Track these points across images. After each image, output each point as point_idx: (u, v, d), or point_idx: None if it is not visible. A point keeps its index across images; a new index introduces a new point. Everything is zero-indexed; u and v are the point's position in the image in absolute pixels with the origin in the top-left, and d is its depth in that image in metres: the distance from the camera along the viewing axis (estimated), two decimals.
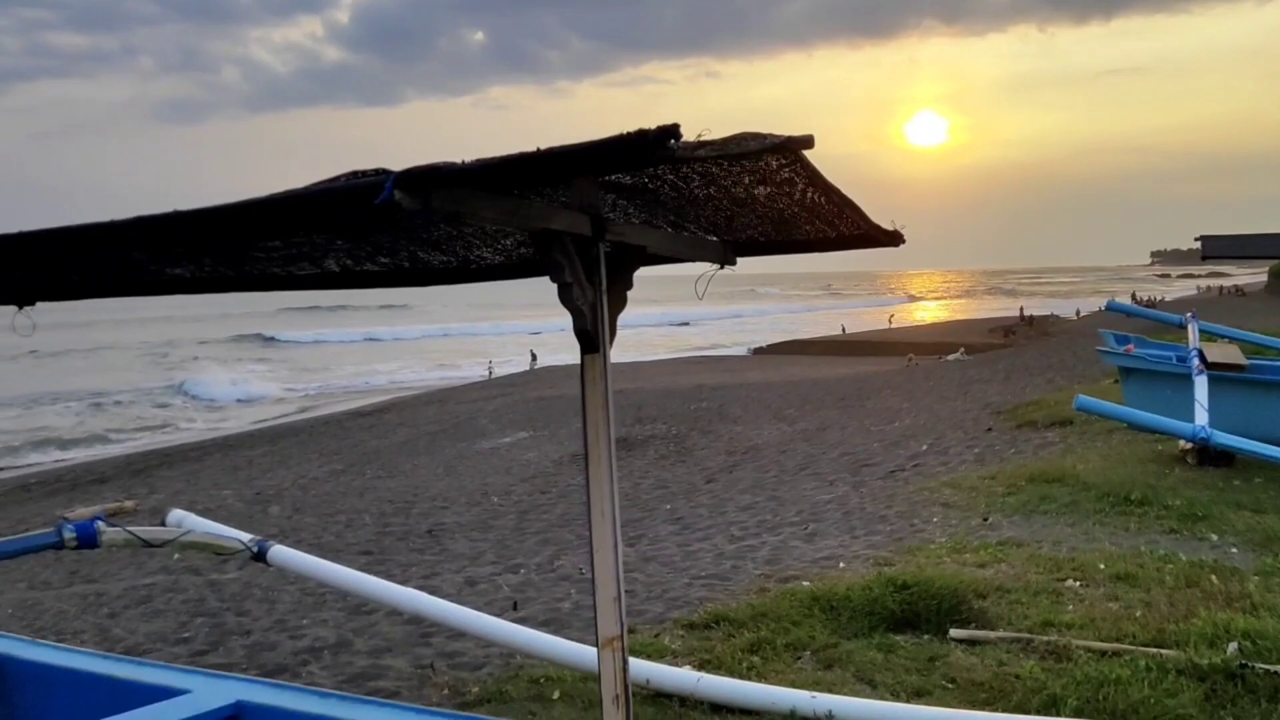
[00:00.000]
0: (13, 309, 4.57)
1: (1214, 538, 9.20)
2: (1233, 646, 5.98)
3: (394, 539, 12.87)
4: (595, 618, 2.86)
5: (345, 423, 28.69)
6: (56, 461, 26.06)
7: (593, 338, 2.82)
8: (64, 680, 4.77)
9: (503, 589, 9.69)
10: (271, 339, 71.94)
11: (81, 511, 14.60)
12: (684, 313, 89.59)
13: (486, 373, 41.96)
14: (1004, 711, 5.43)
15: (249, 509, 15.49)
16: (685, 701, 5.98)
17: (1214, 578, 7.72)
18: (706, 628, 7.51)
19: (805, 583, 8.44)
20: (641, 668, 6.13)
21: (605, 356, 2.86)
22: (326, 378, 48.32)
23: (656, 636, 7.39)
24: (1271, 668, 5.64)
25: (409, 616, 8.31)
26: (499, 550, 11.72)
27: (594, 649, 6.36)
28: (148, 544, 6.28)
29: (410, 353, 62.07)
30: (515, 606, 8.82)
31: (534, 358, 44.94)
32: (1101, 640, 6.53)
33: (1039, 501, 10.90)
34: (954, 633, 6.93)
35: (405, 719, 4.00)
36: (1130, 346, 14.50)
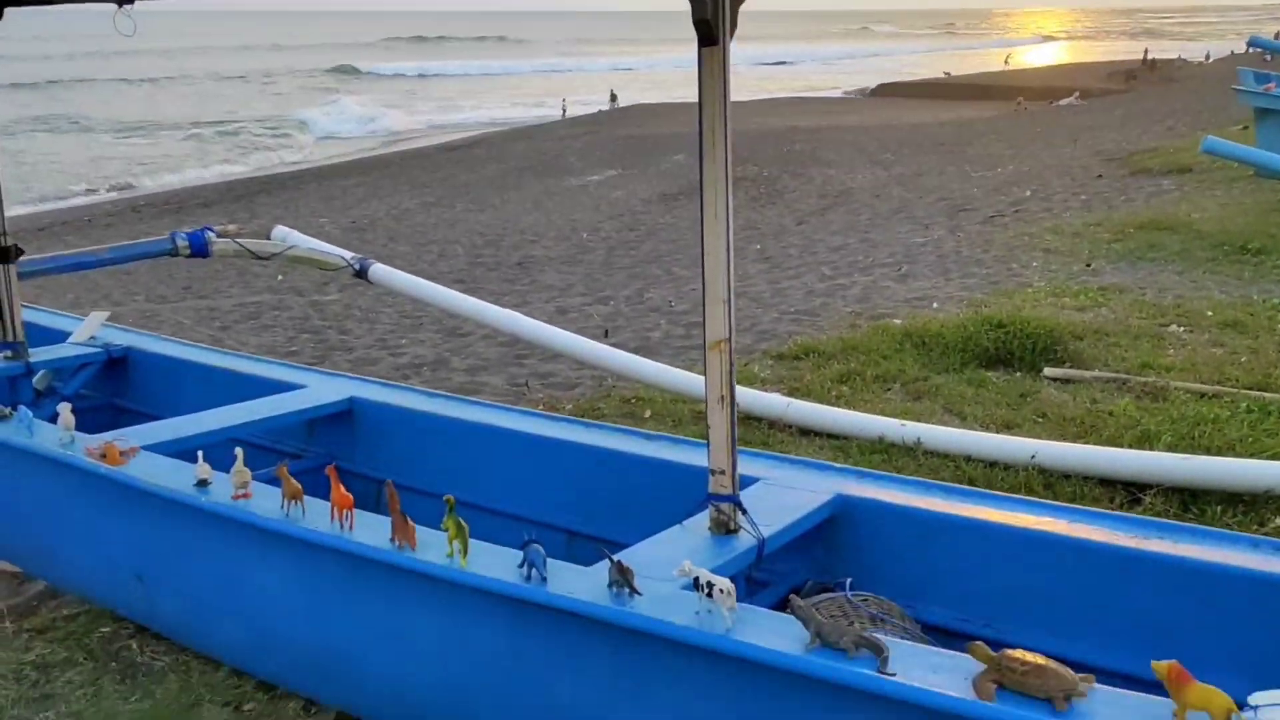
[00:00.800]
0: (112, 7, 4.50)
1: None
2: None
3: (485, 269, 13.09)
4: (704, 320, 2.84)
5: (435, 156, 28.70)
6: (162, 186, 26.74)
7: (711, 28, 2.64)
8: (190, 371, 5.05)
9: (593, 318, 9.87)
10: (365, 71, 71.20)
11: None
12: (783, 51, 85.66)
13: (560, 112, 40.96)
14: (1094, 444, 5.44)
15: (345, 236, 15.81)
16: (774, 425, 6.12)
17: None
18: (796, 359, 7.59)
19: (897, 320, 8.40)
20: None
21: (725, 50, 2.69)
22: (418, 111, 47.95)
23: (746, 365, 7.49)
24: None
25: (505, 339, 8.56)
26: (588, 283, 11.86)
27: (685, 372, 6.51)
28: (256, 255, 6.46)
29: (504, 88, 61.04)
30: (606, 334, 8.99)
31: (613, 97, 43.63)
32: (1202, 383, 6.43)
33: (1147, 249, 10.53)
34: (1048, 371, 6.88)
35: (511, 419, 4.16)
36: (1271, 85, 13.45)
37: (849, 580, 2.93)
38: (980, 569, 3.03)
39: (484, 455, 4.05)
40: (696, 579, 2.43)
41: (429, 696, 3.06)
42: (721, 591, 2.37)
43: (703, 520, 3.05)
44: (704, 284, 2.82)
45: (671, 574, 2.59)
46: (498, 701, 2.90)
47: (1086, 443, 5.49)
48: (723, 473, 2.94)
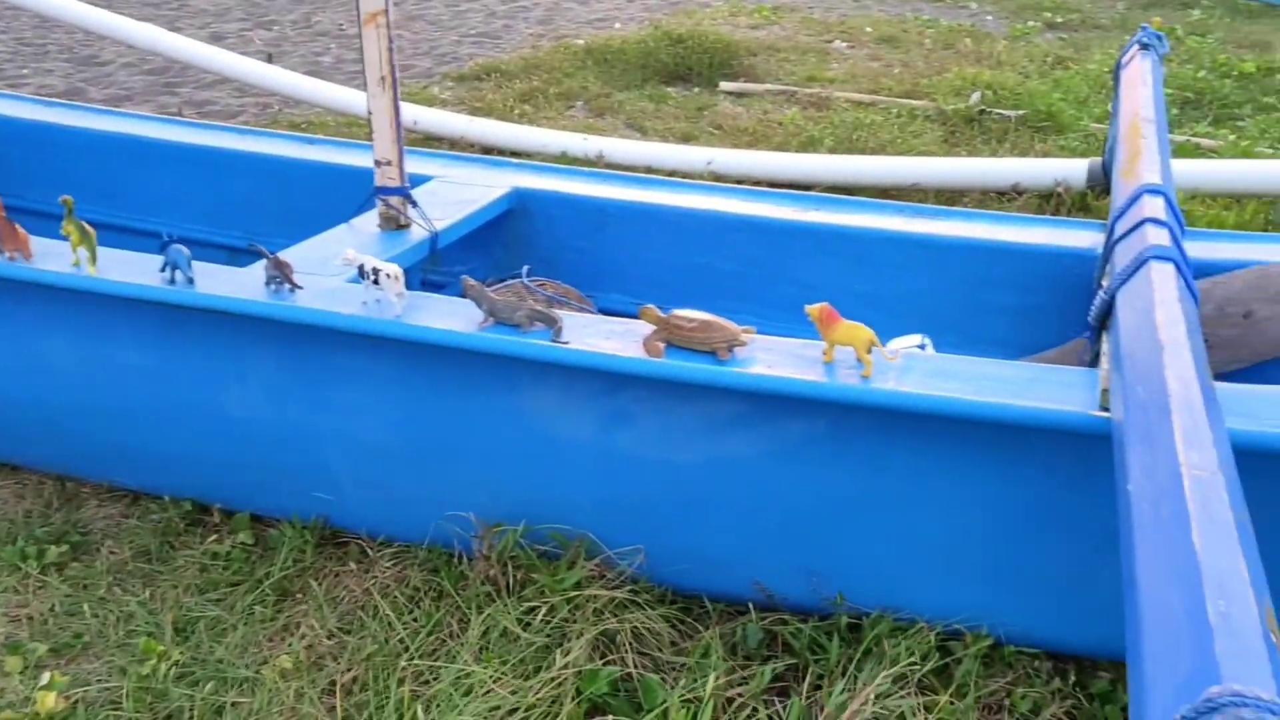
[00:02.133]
0: None
1: (973, 5, 9.49)
2: (975, 95, 6.36)
3: None
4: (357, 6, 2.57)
5: None
6: None
7: None
8: None
9: (254, 44, 8.96)
10: None
11: None
12: None
13: None
14: (765, 150, 5.66)
15: None
16: (456, 144, 5.90)
17: (969, 40, 8.05)
18: (477, 79, 7.29)
19: (580, 40, 8.22)
20: (409, 110, 5.95)
21: None
22: None
23: (424, 88, 7.13)
24: (1004, 111, 6.08)
25: (152, 65, 7.62)
26: (248, 6, 10.69)
27: (360, 93, 6.09)
28: None
29: None
30: (270, 59, 8.20)
31: None
32: (860, 93, 6.80)
33: None
34: (724, 85, 7.02)
35: (156, 128, 3.72)
36: None
37: (527, 268, 2.91)
38: (653, 252, 3.11)
39: (130, 171, 3.62)
40: (361, 267, 2.31)
41: (79, 426, 2.82)
42: (389, 276, 2.27)
43: (371, 218, 2.90)
44: None
45: (335, 266, 2.45)
46: (155, 422, 2.71)
47: (758, 149, 5.71)
48: (389, 163, 2.77)
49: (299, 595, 2.71)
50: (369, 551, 2.76)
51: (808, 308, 2.07)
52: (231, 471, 2.76)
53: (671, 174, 5.39)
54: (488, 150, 5.81)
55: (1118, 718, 2.20)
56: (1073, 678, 2.30)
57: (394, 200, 2.81)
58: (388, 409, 2.46)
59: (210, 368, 2.55)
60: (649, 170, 5.41)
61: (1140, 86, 2.92)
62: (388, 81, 2.65)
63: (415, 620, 2.50)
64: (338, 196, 3.12)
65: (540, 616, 2.37)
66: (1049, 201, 4.91)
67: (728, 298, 3.00)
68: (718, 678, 2.21)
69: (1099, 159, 4.67)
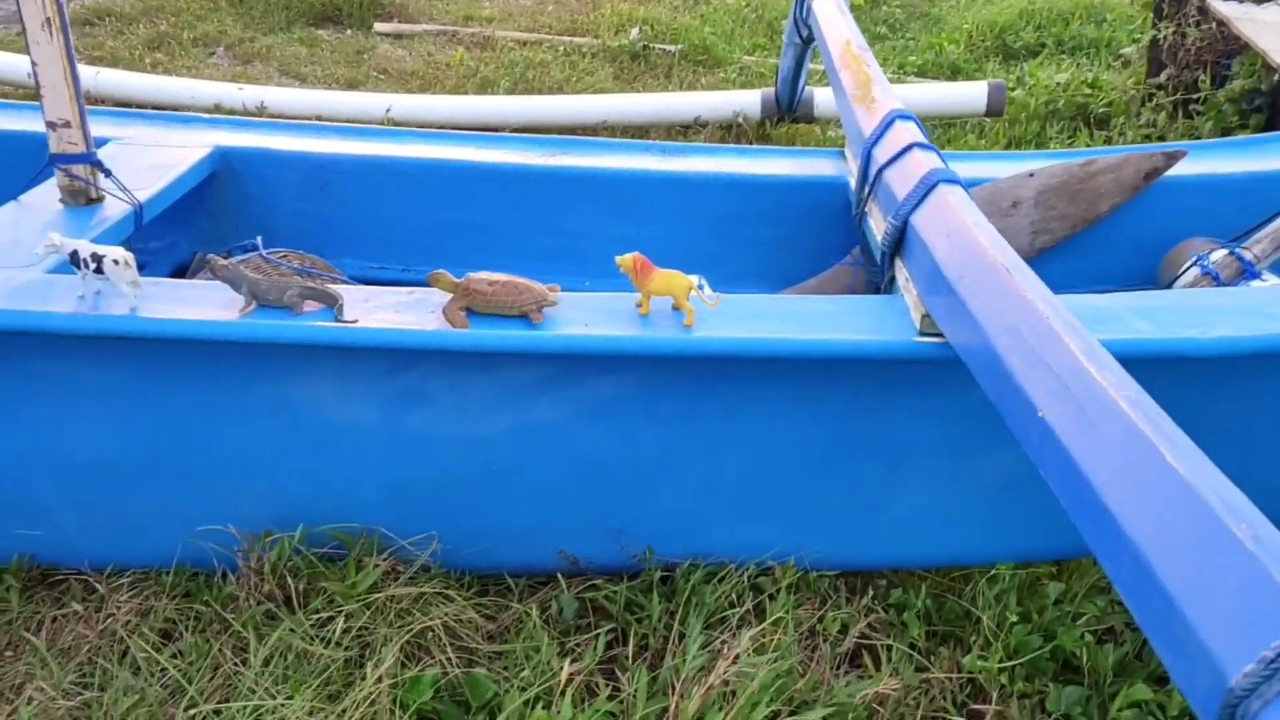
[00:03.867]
0: None
1: None
2: (635, 31, 6.43)
3: None
4: None
5: None
6: None
7: None
8: None
9: None
10: None
11: None
12: None
13: None
14: (441, 94, 5.40)
15: None
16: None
17: None
18: (87, 24, 6.36)
19: None
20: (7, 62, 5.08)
21: None
22: None
23: (16, 35, 6.11)
24: (666, 46, 6.20)
25: None
26: None
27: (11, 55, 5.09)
28: None
29: None
30: None
31: None
32: (522, 31, 6.66)
33: None
34: (378, 26, 6.61)
35: None
36: None
37: (259, 238, 2.54)
38: (388, 209, 2.83)
39: None
40: (75, 254, 1.89)
41: None
42: (117, 263, 1.87)
43: (48, 192, 2.40)
44: None
45: (32, 254, 1.99)
46: None
47: (433, 94, 5.43)
48: (67, 125, 2.29)
49: (9, 654, 2.24)
50: (96, 586, 2.33)
51: (619, 259, 1.95)
52: None
53: (348, 123, 5.01)
54: (121, 106, 5.09)
55: (914, 623, 2.33)
56: (870, 593, 2.40)
57: (79, 169, 2.33)
58: (115, 418, 2.05)
59: None
60: (319, 120, 4.99)
61: (840, 15, 3.02)
62: (54, 24, 2.18)
63: (177, 659, 2.15)
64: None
65: (337, 629, 2.12)
66: (730, 132, 5.07)
67: (478, 253, 2.81)
68: (545, 660, 2.08)
69: (771, 89, 4.87)
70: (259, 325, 1.86)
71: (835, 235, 2.72)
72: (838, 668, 2.24)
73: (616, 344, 1.87)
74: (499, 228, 2.84)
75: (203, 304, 1.91)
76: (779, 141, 5.04)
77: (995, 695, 2.15)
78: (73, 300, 1.90)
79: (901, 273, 2.03)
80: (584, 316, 1.94)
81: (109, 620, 2.26)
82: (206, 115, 3.05)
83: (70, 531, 2.24)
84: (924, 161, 2.09)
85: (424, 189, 2.81)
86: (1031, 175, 2.78)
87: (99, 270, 1.88)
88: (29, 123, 2.75)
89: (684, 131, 5.07)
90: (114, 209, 2.36)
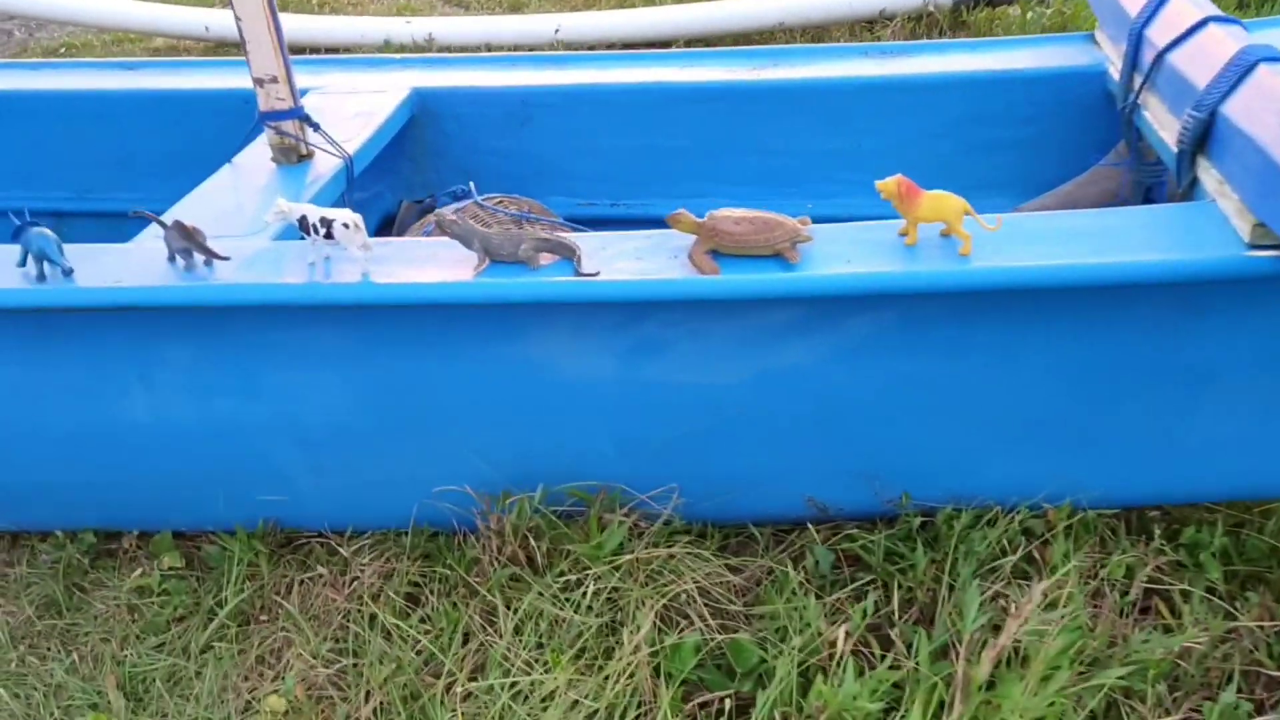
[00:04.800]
0: None
1: None
2: None
3: None
4: None
5: None
6: None
7: None
8: None
9: None
10: None
11: None
12: None
13: None
14: (608, 9, 5.18)
15: None
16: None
17: None
18: None
19: None
20: (190, 16, 5.14)
21: None
22: None
23: None
24: None
25: None
26: None
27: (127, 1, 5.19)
28: None
29: None
30: None
31: None
32: None
33: None
34: None
35: None
36: None
37: (472, 184, 2.42)
38: (591, 141, 2.67)
39: None
40: (304, 219, 1.80)
41: None
42: (348, 226, 1.78)
43: (259, 152, 2.33)
44: None
45: (258, 220, 1.92)
46: (30, 446, 2.15)
47: (600, 10, 5.23)
48: (274, 80, 2.20)
49: (265, 619, 2.25)
50: (338, 549, 2.32)
51: (880, 184, 1.73)
52: (141, 488, 2.24)
53: (515, 49, 4.87)
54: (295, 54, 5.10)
55: (1212, 564, 2.08)
56: (1157, 531, 2.16)
57: (288, 125, 2.25)
58: (350, 383, 1.99)
59: (103, 373, 2.00)
60: (488, 48, 4.87)
61: None
62: None
63: (426, 625, 2.11)
64: (188, 132, 2.53)
65: (588, 593, 2.03)
66: (920, 23, 4.70)
67: (686, 179, 2.63)
68: (811, 621, 1.94)
69: None
70: (501, 286, 1.73)
71: (1090, 133, 2.41)
72: (1127, 618, 2.02)
73: (891, 281, 1.67)
74: (706, 151, 2.63)
75: (435, 264, 1.80)
76: (978, 31, 4.64)
77: None
78: (304, 268, 1.82)
79: (1210, 174, 1.74)
80: (843, 251, 1.73)
81: (354, 584, 2.25)
82: (398, 56, 2.93)
83: (311, 496, 2.22)
84: (1225, 38, 1.78)
85: (627, 116, 2.63)
86: None
87: (329, 235, 1.79)
88: (229, 79, 2.70)
89: (869, 28, 4.73)
90: (325, 165, 2.28)
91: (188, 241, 1.83)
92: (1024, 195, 2.45)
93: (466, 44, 4.93)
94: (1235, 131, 1.63)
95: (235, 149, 2.40)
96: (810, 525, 2.18)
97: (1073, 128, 2.43)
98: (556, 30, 4.81)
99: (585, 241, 1.81)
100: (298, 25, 5.15)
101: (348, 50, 4.98)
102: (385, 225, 2.70)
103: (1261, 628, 1.97)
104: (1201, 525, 2.17)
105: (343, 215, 1.78)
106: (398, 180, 2.70)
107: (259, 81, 2.19)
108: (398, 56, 2.92)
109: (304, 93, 2.61)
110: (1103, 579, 2.07)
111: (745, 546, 2.25)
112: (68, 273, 1.85)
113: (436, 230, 1.87)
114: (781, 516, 2.21)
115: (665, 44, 4.81)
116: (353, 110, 2.50)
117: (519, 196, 2.49)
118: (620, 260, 1.77)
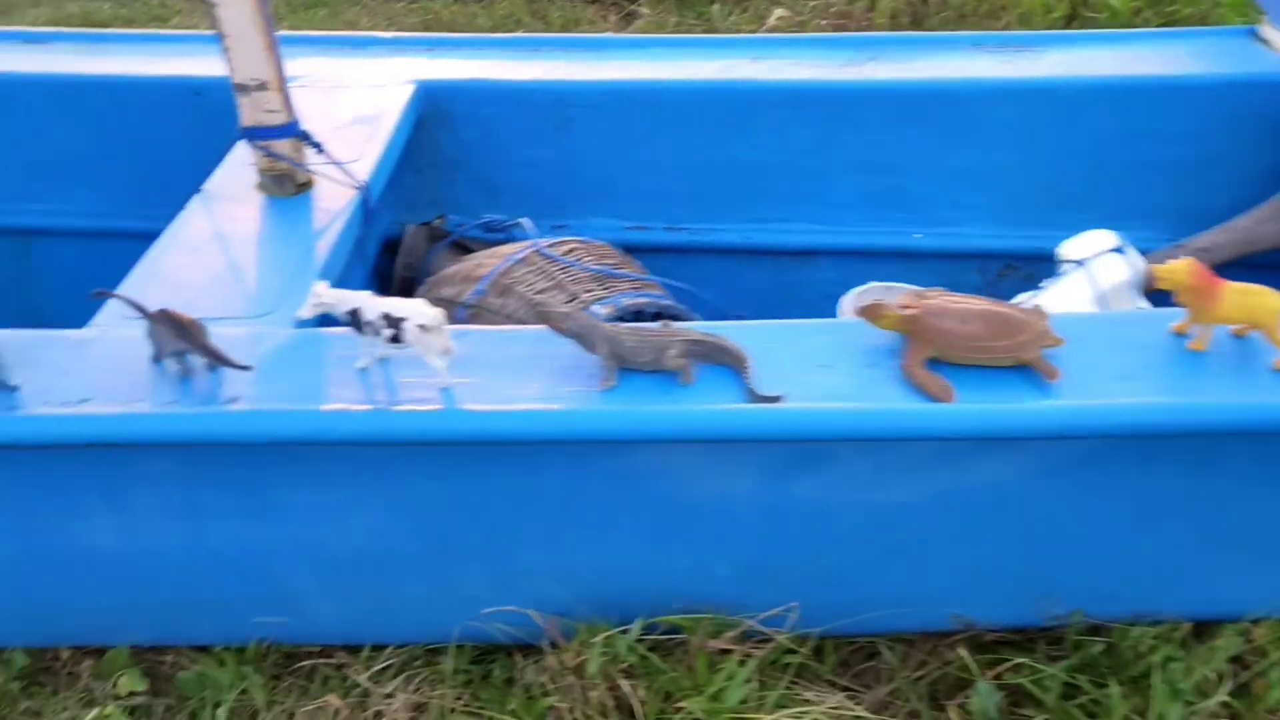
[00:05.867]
0: None
1: None
2: None
3: None
4: None
5: None
6: None
7: None
8: None
9: None
10: None
11: None
12: None
13: None
14: None
15: None
16: None
17: None
18: None
19: None
20: None
21: None
22: None
23: None
24: None
25: None
26: None
27: None
28: None
29: None
30: None
31: None
32: None
33: None
34: None
35: None
36: None
37: (527, 221, 1.86)
38: (646, 152, 2.14)
39: None
40: (355, 314, 1.24)
41: None
42: (425, 329, 1.22)
43: (236, 179, 1.73)
44: None
45: (269, 292, 1.35)
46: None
47: None
48: (263, 86, 1.60)
49: None
50: (347, 673, 1.78)
51: (1163, 269, 1.28)
52: (96, 606, 1.68)
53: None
54: None
55: None
56: None
57: (282, 146, 1.64)
58: (396, 511, 1.47)
59: (55, 501, 1.43)
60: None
61: None
62: None
63: None
64: (113, 129, 1.91)
65: None
66: None
67: (768, 202, 2.14)
68: None
69: None
70: (650, 418, 1.22)
71: (1267, 154, 2.00)
72: None
73: (1206, 415, 1.21)
74: (792, 166, 2.13)
75: (540, 372, 1.26)
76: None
77: None
78: (355, 380, 1.26)
79: None
80: (1107, 359, 1.27)
81: None
82: (389, 36, 2.32)
83: (322, 616, 1.70)
84: None
85: (693, 120, 2.10)
86: None
87: (396, 339, 1.23)
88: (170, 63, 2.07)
89: None
90: (331, 196, 1.69)
91: (184, 341, 1.25)
92: (1180, 228, 2.03)
93: None
94: None
95: (184, 154, 1.80)
96: (949, 640, 1.76)
97: (1245, 148, 2.01)
98: None
99: (745, 339, 1.30)
100: None
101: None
102: (384, 251, 2.12)
103: None
104: None
105: (417, 311, 1.22)
106: (398, 196, 2.12)
107: (242, 88, 1.59)
108: (390, 37, 2.30)
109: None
110: None
111: (868, 668, 1.81)
112: (11, 390, 1.25)
113: (495, 317, 1.33)
114: (916, 630, 1.79)
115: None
116: (348, 113, 1.91)
117: (590, 240, 1.93)
118: (801, 372, 1.26)
